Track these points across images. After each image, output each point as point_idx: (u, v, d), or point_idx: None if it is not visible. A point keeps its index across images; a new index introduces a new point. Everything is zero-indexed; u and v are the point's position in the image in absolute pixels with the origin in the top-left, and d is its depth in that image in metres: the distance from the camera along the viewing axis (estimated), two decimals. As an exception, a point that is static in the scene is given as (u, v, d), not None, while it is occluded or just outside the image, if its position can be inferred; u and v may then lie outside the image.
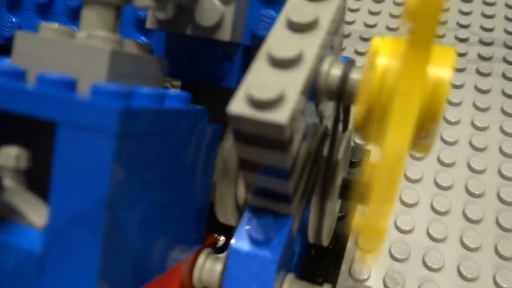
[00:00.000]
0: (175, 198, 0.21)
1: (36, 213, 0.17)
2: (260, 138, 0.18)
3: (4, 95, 0.16)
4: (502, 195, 0.36)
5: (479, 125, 0.41)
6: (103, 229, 0.16)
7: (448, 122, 0.42)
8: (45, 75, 0.17)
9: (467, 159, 0.39)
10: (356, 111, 0.20)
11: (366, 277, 0.33)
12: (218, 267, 0.24)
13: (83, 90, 0.18)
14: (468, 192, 0.37)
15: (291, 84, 0.18)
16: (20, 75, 0.17)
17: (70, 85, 0.17)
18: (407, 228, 0.35)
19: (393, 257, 0.34)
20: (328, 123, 0.27)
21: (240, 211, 0.27)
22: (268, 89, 0.18)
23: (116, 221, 0.16)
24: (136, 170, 0.17)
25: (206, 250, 0.25)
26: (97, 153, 0.15)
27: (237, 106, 0.18)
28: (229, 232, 0.29)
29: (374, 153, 0.38)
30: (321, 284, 0.24)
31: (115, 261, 0.17)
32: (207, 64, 0.26)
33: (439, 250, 0.34)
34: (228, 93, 0.28)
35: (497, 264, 0.33)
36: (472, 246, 0.34)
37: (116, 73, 0.19)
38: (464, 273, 0.33)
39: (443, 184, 0.38)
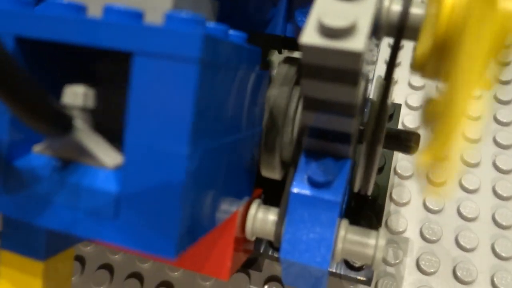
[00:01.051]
0: (238, 141, 0.20)
1: (106, 154, 0.17)
2: (332, 70, 0.17)
3: (74, 28, 0.16)
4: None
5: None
6: (186, 166, 0.15)
7: (501, 102, 0.41)
8: (113, 6, 0.16)
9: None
10: (418, 47, 0.20)
11: (402, 229, 0.33)
12: (271, 216, 0.24)
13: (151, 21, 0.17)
14: None
15: (362, 14, 0.17)
16: (81, 9, 0.16)
17: (138, 15, 0.16)
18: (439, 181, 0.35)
19: (428, 209, 0.34)
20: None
21: (283, 164, 0.26)
22: (341, 17, 0.17)
23: (196, 158, 0.16)
24: (212, 104, 0.16)
25: (257, 201, 0.25)
26: (179, 81, 0.15)
27: (310, 36, 0.17)
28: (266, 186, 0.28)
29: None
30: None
31: (193, 202, 0.16)
32: (252, 10, 0.25)
33: (473, 200, 0.34)
34: (268, 41, 0.27)
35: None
36: (504, 195, 0.34)
37: (179, 8, 0.18)
38: (499, 220, 0.33)
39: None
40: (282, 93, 0.25)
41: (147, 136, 0.15)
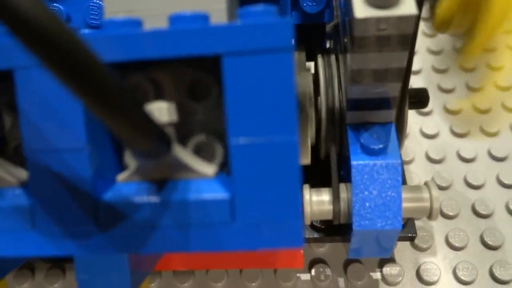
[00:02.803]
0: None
1: (201, 164, 0.17)
2: (385, 38, 0.18)
3: (151, 43, 0.15)
4: None
5: None
6: (297, 153, 0.15)
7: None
8: (178, 15, 0.16)
9: None
10: (440, 9, 0.21)
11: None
12: (325, 197, 0.25)
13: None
14: None
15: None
16: (138, 23, 0.16)
17: (204, 18, 0.16)
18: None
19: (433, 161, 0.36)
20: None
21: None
22: (386, -13, 0.18)
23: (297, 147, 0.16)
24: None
25: (306, 185, 0.25)
26: (276, 72, 0.15)
27: (362, 11, 0.18)
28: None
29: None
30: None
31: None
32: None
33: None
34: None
35: None
36: None
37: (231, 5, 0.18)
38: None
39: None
40: (305, 79, 0.25)
41: (251, 133, 0.15)
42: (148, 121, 0.14)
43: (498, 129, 0.38)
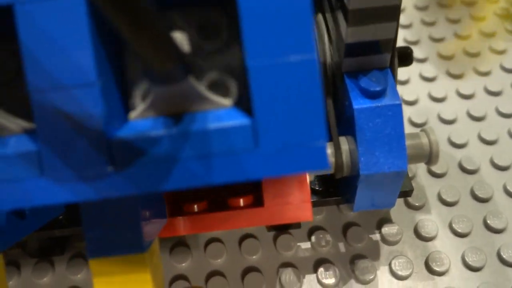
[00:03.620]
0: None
1: (216, 96, 0.16)
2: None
3: None
4: None
5: None
6: (317, 76, 0.15)
7: None
8: None
9: None
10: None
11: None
12: (328, 150, 0.25)
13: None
14: None
15: None
16: None
17: None
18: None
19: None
20: None
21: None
22: None
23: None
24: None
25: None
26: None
27: None
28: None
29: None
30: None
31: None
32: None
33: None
34: None
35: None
36: None
37: None
38: None
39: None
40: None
41: (269, 54, 0.15)
42: (170, 40, 0.13)
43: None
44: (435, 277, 0.30)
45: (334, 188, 0.28)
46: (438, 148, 0.24)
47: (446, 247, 0.31)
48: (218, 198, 0.24)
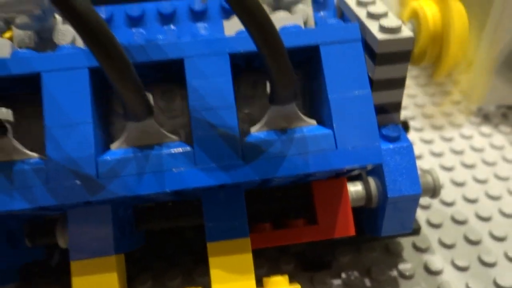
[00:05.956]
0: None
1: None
2: (392, 54, 0.29)
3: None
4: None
5: None
6: (372, 103, 0.24)
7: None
8: (287, 26, 0.25)
9: None
10: (416, 48, 0.34)
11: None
12: (358, 187, 0.32)
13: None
14: None
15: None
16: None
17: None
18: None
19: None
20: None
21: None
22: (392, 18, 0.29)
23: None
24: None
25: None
26: (355, 56, 0.25)
27: (379, 35, 0.29)
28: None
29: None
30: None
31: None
32: None
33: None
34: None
35: None
36: None
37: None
38: None
39: None
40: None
41: (343, 90, 0.24)
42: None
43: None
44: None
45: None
46: (440, 183, 0.33)
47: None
48: (280, 220, 0.31)
